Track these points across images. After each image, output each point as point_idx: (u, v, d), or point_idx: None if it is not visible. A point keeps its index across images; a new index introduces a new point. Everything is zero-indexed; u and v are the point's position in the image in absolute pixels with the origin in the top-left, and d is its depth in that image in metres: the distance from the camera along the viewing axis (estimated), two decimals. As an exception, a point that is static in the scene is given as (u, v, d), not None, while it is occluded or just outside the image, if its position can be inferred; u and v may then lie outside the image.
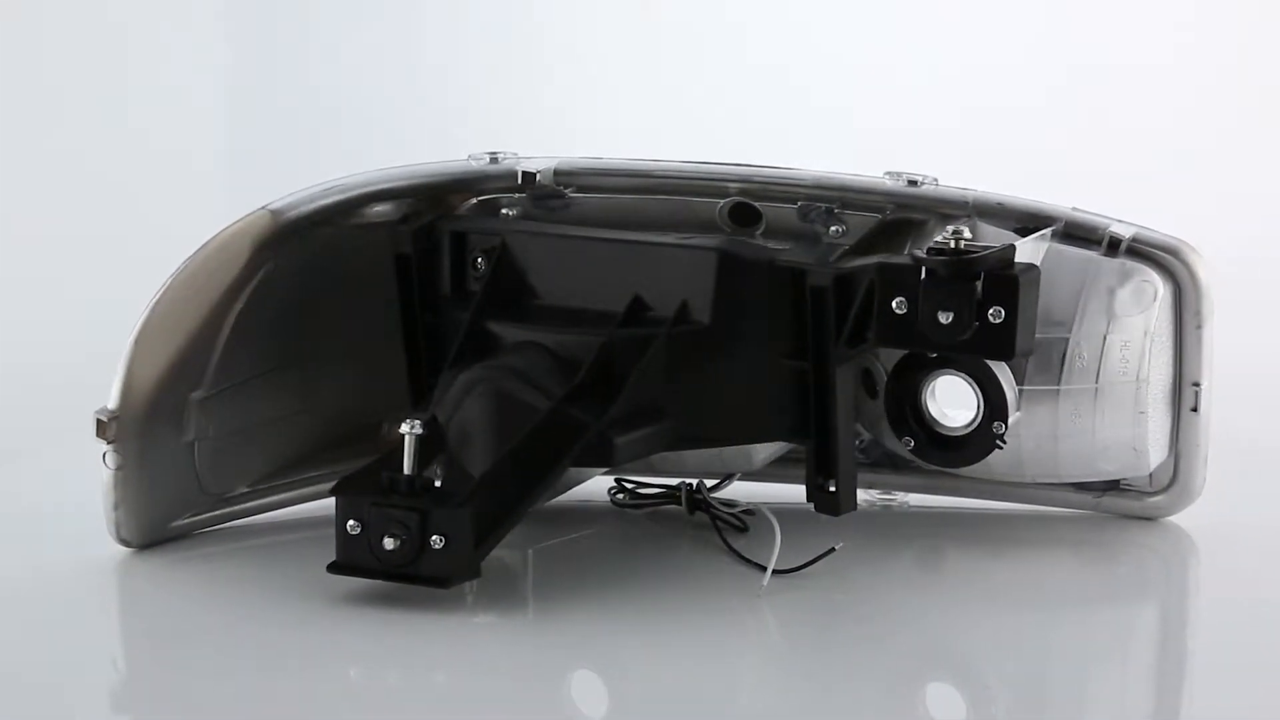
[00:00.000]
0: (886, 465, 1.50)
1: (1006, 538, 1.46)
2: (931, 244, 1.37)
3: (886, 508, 1.52)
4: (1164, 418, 1.43)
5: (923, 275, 1.35)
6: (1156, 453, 1.43)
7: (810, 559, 1.38)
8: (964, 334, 1.35)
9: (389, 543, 1.30)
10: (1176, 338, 1.42)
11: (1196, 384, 1.42)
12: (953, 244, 1.35)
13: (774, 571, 1.37)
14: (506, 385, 1.35)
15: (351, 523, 1.32)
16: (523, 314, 1.41)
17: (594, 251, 1.42)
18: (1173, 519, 1.47)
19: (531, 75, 2.41)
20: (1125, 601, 1.38)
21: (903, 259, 1.37)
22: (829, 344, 1.37)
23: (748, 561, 1.39)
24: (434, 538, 1.30)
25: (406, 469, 1.32)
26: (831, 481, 1.38)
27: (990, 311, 1.34)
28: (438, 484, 1.32)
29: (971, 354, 1.37)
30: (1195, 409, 1.43)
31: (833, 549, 1.38)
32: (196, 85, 2.39)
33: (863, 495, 1.50)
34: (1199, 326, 1.42)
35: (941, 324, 1.35)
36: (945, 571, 1.45)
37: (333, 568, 1.33)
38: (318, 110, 2.39)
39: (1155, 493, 1.46)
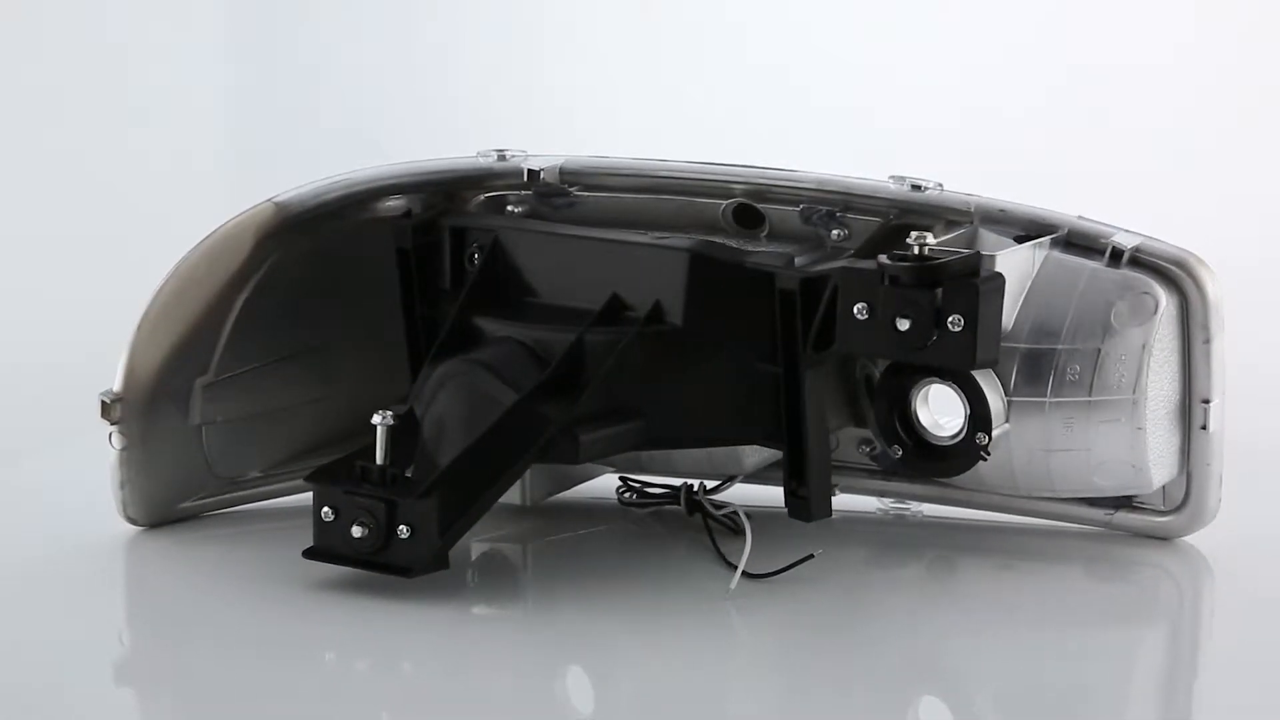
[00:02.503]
0: (900, 474, 1.48)
1: (1018, 550, 1.45)
2: (896, 249, 1.35)
3: (900, 517, 1.51)
4: (1170, 435, 1.40)
5: (885, 281, 1.34)
6: (1161, 471, 1.40)
7: (787, 564, 1.38)
8: (922, 342, 1.33)
9: (357, 531, 1.33)
10: (1184, 353, 1.39)
11: (1206, 401, 1.39)
12: (916, 250, 1.34)
13: (753, 576, 1.37)
14: (478, 380, 1.36)
15: (325, 510, 1.35)
16: (507, 309, 1.42)
17: (576, 250, 1.42)
18: (1189, 539, 1.43)
19: (532, 75, 2.41)
20: (1130, 622, 1.36)
21: (867, 264, 1.36)
22: (798, 348, 1.37)
23: (730, 565, 1.39)
24: (400, 527, 1.32)
25: (378, 459, 1.34)
26: (804, 487, 1.38)
27: (950, 319, 1.33)
28: (409, 475, 1.35)
29: (930, 363, 1.36)
30: (1205, 427, 1.40)
31: (811, 555, 1.39)
32: (196, 85, 2.40)
33: (875, 504, 1.51)
34: (1207, 341, 1.39)
35: (899, 331, 1.33)
36: (953, 582, 1.44)
37: (308, 553, 1.36)
38: (318, 110, 2.40)
39: (1168, 512, 1.43)
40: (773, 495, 1.44)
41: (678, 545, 1.46)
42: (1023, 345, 1.39)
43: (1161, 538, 1.44)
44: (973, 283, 1.33)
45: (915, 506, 1.51)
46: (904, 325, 1.33)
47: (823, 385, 1.39)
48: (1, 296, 2.07)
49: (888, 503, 1.51)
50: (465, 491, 1.33)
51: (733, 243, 1.45)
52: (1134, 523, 1.44)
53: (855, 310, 1.34)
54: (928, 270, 1.33)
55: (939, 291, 1.32)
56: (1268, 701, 1.23)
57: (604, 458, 1.42)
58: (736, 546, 1.41)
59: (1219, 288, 1.39)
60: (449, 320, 1.42)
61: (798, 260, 1.41)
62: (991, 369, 1.38)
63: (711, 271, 1.38)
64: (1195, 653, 1.35)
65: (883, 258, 1.34)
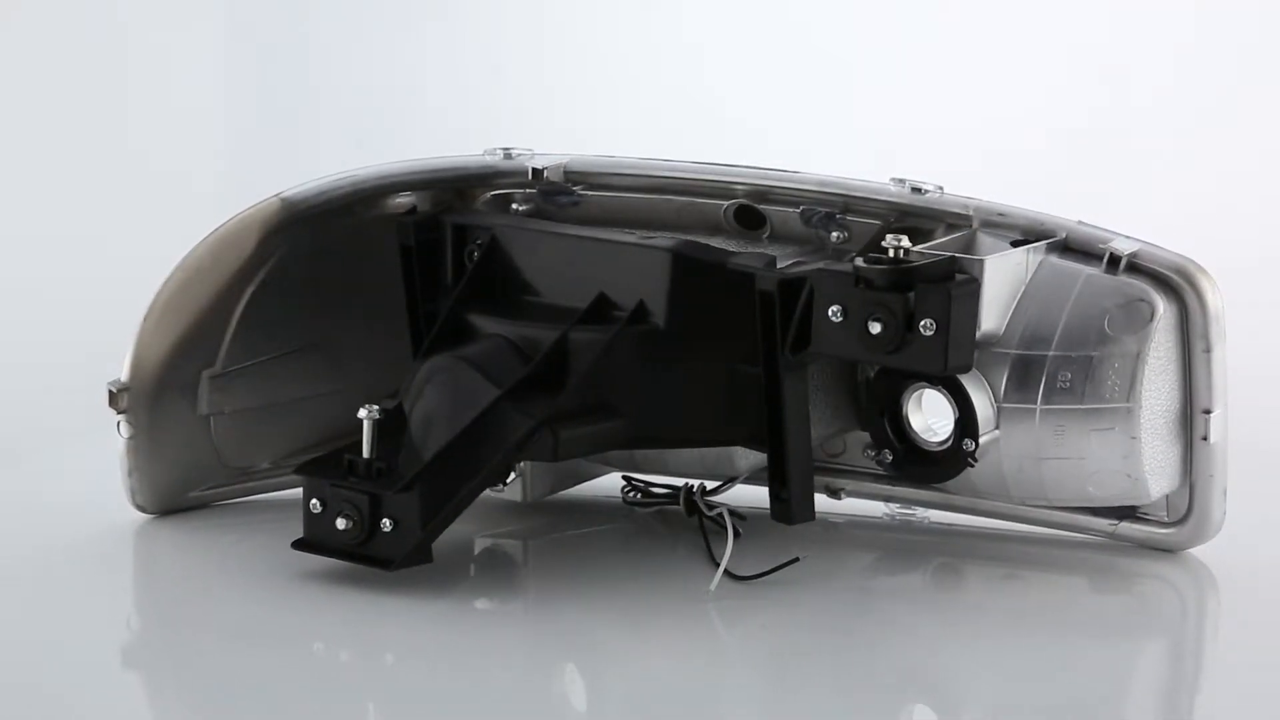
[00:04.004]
0: (896, 478, 1.46)
1: (1023, 559, 1.44)
2: (872, 252, 1.35)
3: (906, 522, 1.50)
4: (1170, 446, 1.38)
5: (859, 283, 1.33)
6: (1159, 481, 1.38)
7: (771, 568, 1.38)
8: (894, 345, 1.33)
9: (341, 523, 1.34)
10: (1184, 362, 1.37)
11: (1208, 411, 1.37)
12: (891, 252, 1.33)
13: (736, 577, 1.37)
14: (462, 375, 1.37)
15: (314, 502, 1.36)
16: (499, 306, 1.43)
17: (566, 248, 1.43)
18: (1194, 552, 1.41)
19: (537, 75, 2.42)
20: (1132, 633, 1.35)
21: (842, 266, 1.36)
22: (777, 349, 1.37)
23: (719, 565, 1.39)
24: (384, 520, 1.33)
25: (364, 453, 1.35)
26: (785, 489, 1.38)
27: (922, 323, 1.32)
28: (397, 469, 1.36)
29: (902, 366, 1.36)
30: (1206, 438, 1.37)
31: (796, 559, 1.39)
32: (196, 85, 2.40)
33: (881, 509, 1.50)
34: (1207, 351, 1.36)
35: (871, 334, 1.33)
36: (956, 589, 1.43)
37: (297, 544, 1.37)
38: (318, 110, 2.40)
39: (1172, 523, 1.41)
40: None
41: (678, 545, 1.46)
42: (1014, 351, 1.38)
43: (1167, 549, 1.42)
44: (944, 287, 1.32)
45: (921, 512, 1.50)
46: (876, 328, 1.33)
47: (804, 387, 1.39)
48: (3, 296, 2.08)
49: (894, 508, 1.50)
50: (447, 485, 1.34)
51: (731, 244, 1.46)
52: (1138, 534, 1.42)
53: (830, 312, 1.34)
54: (900, 273, 1.33)
55: (911, 295, 1.32)
56: (1270, 713, 1.23)
57: (584, 455, 1.42)
58: (735, 547, 1.42)
59: (1220, 297, 1.36)
60: (442, 316, 1.43)
61: (780, 262, 1.40)
62: (982, 374, 1.38)
63: (693, 272, 1.38)
64: (1198, 665, 1.34)
65: (858, 260, 1.34)
